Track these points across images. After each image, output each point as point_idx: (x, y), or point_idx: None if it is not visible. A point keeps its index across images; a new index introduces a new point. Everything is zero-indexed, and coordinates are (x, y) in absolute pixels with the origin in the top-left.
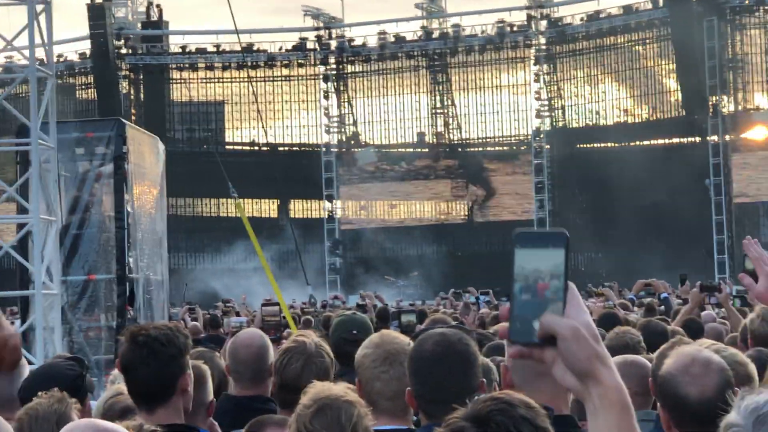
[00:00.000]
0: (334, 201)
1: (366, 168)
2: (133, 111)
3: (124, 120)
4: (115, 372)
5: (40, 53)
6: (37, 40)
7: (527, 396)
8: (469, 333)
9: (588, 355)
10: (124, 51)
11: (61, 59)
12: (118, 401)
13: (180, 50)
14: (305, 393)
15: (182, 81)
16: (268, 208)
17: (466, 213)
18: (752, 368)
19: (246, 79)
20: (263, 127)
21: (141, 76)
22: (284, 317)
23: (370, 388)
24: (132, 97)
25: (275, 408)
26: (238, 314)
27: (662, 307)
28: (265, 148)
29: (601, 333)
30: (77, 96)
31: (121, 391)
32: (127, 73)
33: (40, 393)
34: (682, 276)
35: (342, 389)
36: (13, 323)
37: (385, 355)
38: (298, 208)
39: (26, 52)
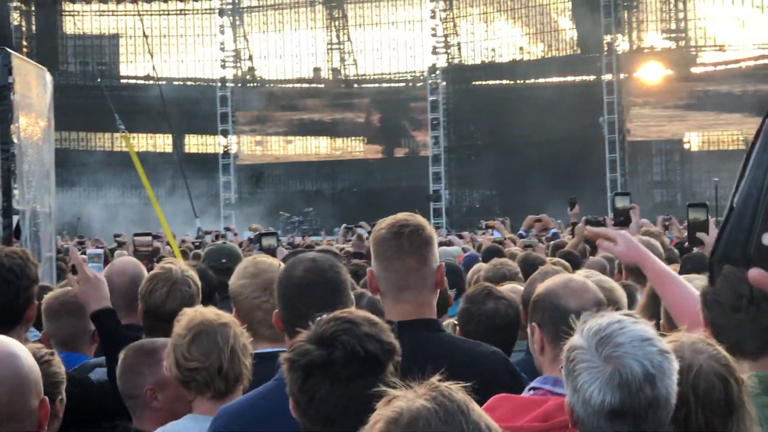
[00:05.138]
0: (229, 136)
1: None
2: (24, 43)
3: (9, 50)
4: None
5: None
6: None
7: (392, 306)
8: (339, 259)
9: None
10: None
11: None
12: None
13: None
14: (178, 321)
15: (75, 13)
16: (162, 143)
17: (362, 149)
18: (620, 293)
19: (140, 13)
20: (154, 60)
21: (33, 8)
22: (167, 245)
23: (250, 317)
24: (24, 29)
25: (142, 336)
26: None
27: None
28: (159, 83)
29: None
30: None
31: None
32: (19, 4)
33: None
34: (571, 200)
35: (213, 313)
36: None
37: (265, 285)
38: (193, 143)
39: None
